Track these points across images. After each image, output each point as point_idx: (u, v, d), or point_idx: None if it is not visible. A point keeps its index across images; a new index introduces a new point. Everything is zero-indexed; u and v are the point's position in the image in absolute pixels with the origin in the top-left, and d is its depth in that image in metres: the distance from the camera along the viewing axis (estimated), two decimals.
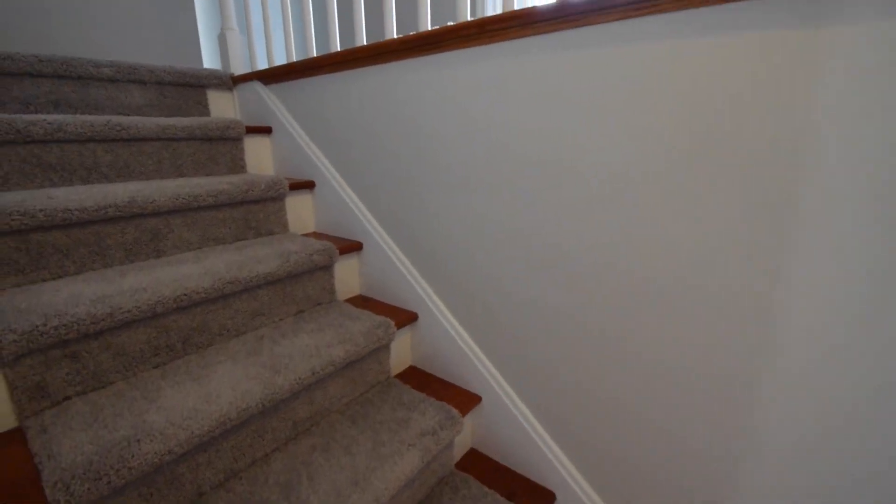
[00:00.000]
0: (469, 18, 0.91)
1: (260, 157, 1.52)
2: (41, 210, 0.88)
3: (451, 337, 1.14)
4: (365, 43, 1.12)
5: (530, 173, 0.90)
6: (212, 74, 1.52)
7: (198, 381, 0.86)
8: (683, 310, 0.76)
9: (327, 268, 1.24)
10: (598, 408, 0.92)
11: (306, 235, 1.38)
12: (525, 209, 0.93)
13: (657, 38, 0.69)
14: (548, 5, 0.77)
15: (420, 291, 1.19)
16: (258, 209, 1.29)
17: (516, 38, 0.84)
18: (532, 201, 0.91)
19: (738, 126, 0.65)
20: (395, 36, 1.06)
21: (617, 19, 0.72)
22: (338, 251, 1.23)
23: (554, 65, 0.81)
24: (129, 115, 1.38)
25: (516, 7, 0.84)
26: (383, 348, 1.15)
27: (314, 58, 1.25)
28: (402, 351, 1.25)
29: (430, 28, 0.99)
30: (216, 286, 0.96)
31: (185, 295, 0.91)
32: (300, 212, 1.42)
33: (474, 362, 1.11)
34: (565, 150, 0.84)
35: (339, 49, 1.20)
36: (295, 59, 1.36)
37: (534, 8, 0.79)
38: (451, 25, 0.91)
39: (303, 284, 1.18)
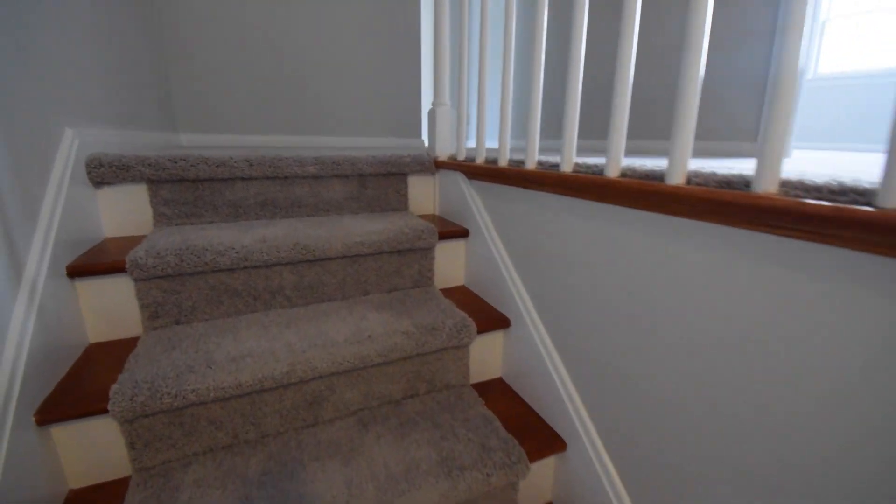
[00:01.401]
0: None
1: (451, 266, 1.24)
2: (193, 391, 0.75)
3: None
4: (618, 174, 0.68)
5: None
6: (414, 161, 1.31)
7: None
8: None
9: (511, 485, 0.86)
10: None
11: (492, 392, 1.04)
12: None
13: None
14: None
15: None
16: (434, 358, 1.00)
17: None
18: None
19: None
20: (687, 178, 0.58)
21: None
22: (528, 460, 0.83)
23: None
24: (328, 210, 1.27)
25: None
26: None
27: (532, 171, 0.87)
28: None
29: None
30: None
31: None
32: (486, 354, 1.08)
33: None
34: None
35: (571, 168, 0.79)
36: (509, 158, 1.01)
37: None
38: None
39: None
